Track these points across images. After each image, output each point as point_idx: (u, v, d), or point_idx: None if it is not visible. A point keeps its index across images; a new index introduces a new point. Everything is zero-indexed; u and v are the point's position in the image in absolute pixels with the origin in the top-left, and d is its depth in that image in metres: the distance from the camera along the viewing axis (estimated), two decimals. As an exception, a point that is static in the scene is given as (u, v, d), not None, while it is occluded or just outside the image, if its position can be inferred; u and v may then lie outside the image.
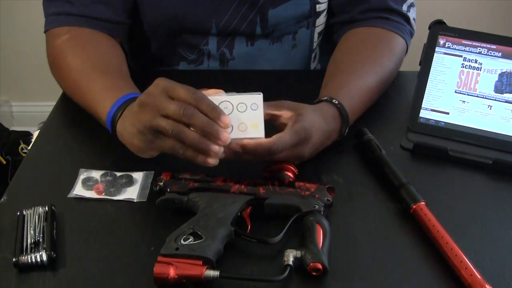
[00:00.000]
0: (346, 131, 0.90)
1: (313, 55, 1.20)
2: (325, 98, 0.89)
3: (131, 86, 0.91)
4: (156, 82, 0.76)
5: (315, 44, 1.19)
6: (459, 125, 0.93)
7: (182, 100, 0.73)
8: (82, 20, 1.00)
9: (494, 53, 0.93)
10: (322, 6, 1.12)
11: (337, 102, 0.88)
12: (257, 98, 0.79)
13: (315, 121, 0.82)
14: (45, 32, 1.03)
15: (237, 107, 0.78)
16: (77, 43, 0.99)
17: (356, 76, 0.96)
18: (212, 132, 0.72)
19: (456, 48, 0.94)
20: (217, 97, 0.77)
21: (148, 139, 0.76)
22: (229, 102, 0.77)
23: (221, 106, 0.76)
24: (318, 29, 1.16)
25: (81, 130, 0.97)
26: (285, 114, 0.82)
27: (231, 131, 0.76)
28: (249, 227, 0.75)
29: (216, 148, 0.72)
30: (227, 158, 0.76)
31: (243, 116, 0.77)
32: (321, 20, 1.15)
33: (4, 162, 1.71)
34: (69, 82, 0.97)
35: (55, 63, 1.00)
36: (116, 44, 1.04)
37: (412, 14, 1.10)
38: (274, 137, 0.77)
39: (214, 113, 0.73)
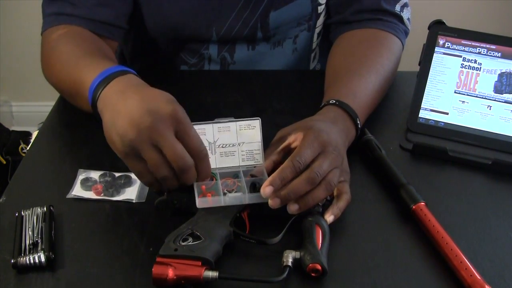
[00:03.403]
0: (360, 122, 0.88)
1: (312, 55, 1.21)
2: (323, 104, 0.89)
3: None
4: (143, 123, 0.69)
5: (314, 44, 1.19)
6: (459, 126, 0.93)
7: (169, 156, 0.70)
8: (82, 22, 1.00)
9: (493, 53, 0.92)
10: (322, 7, 1.12)
11: (334, 101, 0.87)
12: (256, 122, 0.78)
13: (320, 124, 0.79)
14: (42, 33, 1.02)
15: (236, 133, 0.77)
16: (71, 36, 0.98)
17: (357, 76, 0.95)
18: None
19: (456, 48, 0.94)
20: (216, 125, 0.76)
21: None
22: (228, 128, 0.77)
23: (219, 133, 0.76)
24: (317, 30, 1.16)
25: (80, 131, 0.97)
26: (292, 139, 0.78)
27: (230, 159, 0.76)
28: (248, 227, 0.74)
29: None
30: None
31: (242, 143, 0.77)
32: (321, 21, 1.15)
33: (4, 162, 1.71)
34: (57, 68, 0.94)
35: (48, 56, 0.97)
36: (110, 50, 1.02)
37: (405, 14, 1.10)
38: (291, 155, 0.74)
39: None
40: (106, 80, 0.78)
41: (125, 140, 0.70)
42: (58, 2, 1.01)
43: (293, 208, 0.72)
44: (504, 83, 0.92)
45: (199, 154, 0.71)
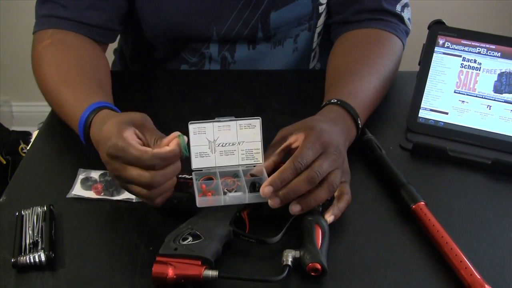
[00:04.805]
0: (360, 123, 0.88)
1: (312, 54, 1.21)
2: (325, 103, 0.89)
3: (102, 94, 0.87)
4: (107, 150, 0.70)
5: (314, 44, 1.19)
6: (459, 125, 0.93)
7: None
8: (73, 25, 0.99)
9: (493, 53, 0.92)
10: (323, 6, 1.12)
11: (335, 101, 0.88)
12: (256, 122, 0.77)
13: (321, 124, 0.79)
14: (33, 33, 1.01)
15: (236, 132, 0.77)
16: (56, 48, 0.96)
17: (358, 76, 0.95)
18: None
19: (456, 48, 0.94)
20: (217, 123, 0.76)
21: None
22: (228, 127, 0.77)
23: (219, 131, 0.76)
24: (318, 30, 1.16)
25: (80, 130, 0.97)
26: (293, 139, 0.78)
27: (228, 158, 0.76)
28: (248, 227, 0.74)
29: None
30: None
31: (242, 142, 0.77)
32: (321, 21, 1.15)
33: (4, 162, 1.71)
34: (45, 93, 0.95)
35: (35, 71, 0.97)
36: (100, 53, 1.01)
37: (406, 14, 1.09)
38: (292, 156, 0.74)
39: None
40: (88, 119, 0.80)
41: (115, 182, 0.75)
42: (50, 3, 1.00)
43: (295, 208, 0.72)
44: (504, 83, 0.92)
45: (153, 168, 0.69)
